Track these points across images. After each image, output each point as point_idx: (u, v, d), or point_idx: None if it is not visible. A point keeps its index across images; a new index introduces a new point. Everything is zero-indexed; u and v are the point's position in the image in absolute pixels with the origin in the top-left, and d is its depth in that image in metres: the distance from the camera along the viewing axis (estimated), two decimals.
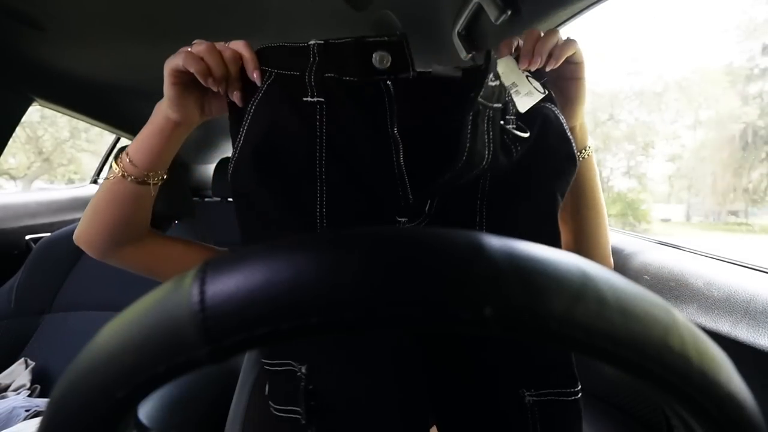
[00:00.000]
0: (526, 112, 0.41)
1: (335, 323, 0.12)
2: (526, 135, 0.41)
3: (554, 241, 0.42)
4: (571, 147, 0.42)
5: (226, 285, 0.12)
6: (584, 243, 0.51)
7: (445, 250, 0.12)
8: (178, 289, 0.13)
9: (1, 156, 1.03)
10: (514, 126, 0.41)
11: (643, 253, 0.68)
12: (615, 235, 0.81)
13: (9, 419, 0.76)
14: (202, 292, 0.12)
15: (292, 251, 0.13)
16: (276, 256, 0.12)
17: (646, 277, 0.64)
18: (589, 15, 0.61)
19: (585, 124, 0.49)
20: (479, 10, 0.67)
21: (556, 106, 0.43)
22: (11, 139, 1.05)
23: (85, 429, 0.13)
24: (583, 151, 0.48)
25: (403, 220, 0.40)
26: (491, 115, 0.40)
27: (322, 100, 0.39)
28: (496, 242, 0.13)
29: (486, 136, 0.39)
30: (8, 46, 0.87)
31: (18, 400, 0.81)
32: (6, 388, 0.88)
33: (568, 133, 0.42)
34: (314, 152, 0.39)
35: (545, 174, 0.42)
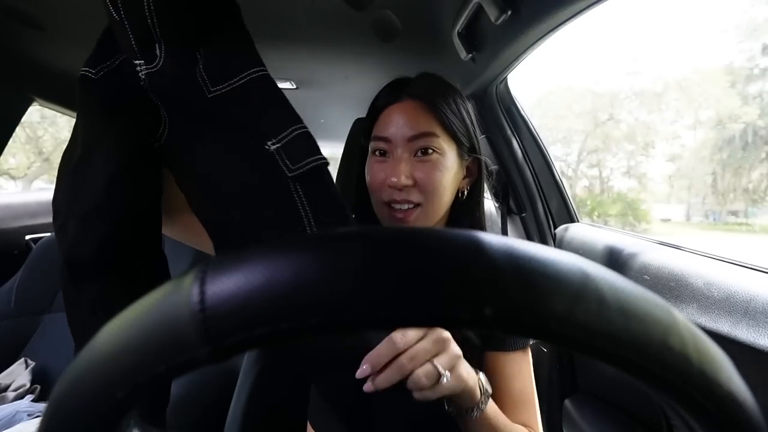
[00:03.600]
0: None
1: (335, 323, 0.12)
2: None
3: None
4: None
5: (226, 285, 0.12)
6: None
7: (446, 250, 0.12)
8: (178, 289, 0.13)
9: (1, 156, 1.03)
10: None
11: (643, 253, 0.68)
12: (615, 235, 0.81)
13: (12, 423, 0.76)
14: (202, 293, 0.12)
15: (293, 251, 0.13)
16: (276, 257, 0.12)
17: (646, 277, 0.64)
18: (589, 15, 0.61)
19: (467, 387, 0.40)
20: (479, 10, 0.67)
21: None
22: (11, 139, 1.05)
23: (85, 429, 0.13)
24: (476, 407, 0.41)
25: (140, 62, 0.38)
26: None
27: None
28: (496, 242, 0.13)
29: None
30: (8, 46, 0.87)
31: (22, 404, 0.81)
32: (6, 388, 0.88)
33: None
34: None
35: None
